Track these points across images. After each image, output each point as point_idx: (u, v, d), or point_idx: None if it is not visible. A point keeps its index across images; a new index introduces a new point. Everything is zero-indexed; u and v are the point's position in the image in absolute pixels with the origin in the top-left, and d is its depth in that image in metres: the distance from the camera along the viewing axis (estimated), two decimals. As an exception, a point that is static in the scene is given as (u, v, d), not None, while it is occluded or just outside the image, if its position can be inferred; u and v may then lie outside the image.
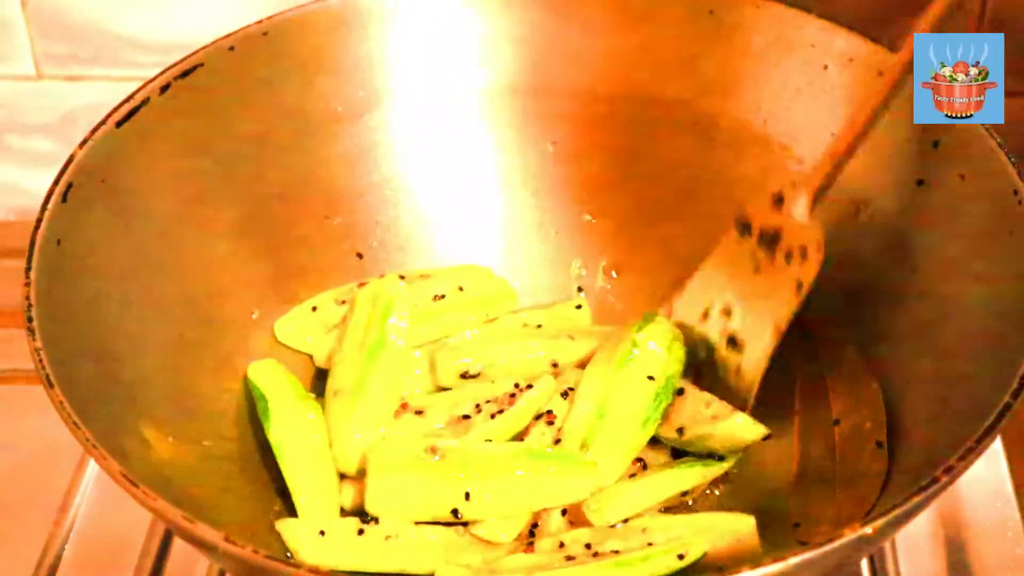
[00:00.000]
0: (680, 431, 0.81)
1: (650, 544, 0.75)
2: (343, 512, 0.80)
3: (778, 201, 0.82)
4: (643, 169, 0.92)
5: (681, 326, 0.86)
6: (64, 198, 0.77)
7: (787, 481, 0.81)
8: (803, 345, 0.85)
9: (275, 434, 0.81)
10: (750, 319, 0.84)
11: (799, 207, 0.81)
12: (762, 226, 0.83)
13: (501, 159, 0.93)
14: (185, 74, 0.84)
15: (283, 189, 0.89)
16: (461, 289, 0.89)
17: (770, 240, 0.83)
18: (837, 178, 0.81)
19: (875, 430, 0.79)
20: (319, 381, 0.87)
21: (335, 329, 0.87)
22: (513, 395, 0.82)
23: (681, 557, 0.73)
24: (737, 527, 0.77)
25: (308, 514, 0.79)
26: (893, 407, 0.80)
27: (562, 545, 0.76)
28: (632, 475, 0.81)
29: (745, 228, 0.84)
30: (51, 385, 0.69)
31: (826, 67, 0.86)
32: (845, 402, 0.81)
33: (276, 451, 0.80)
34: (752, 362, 0.83)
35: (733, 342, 0.84)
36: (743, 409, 0.81)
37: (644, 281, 0.92)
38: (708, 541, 0.75)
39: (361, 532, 0.77)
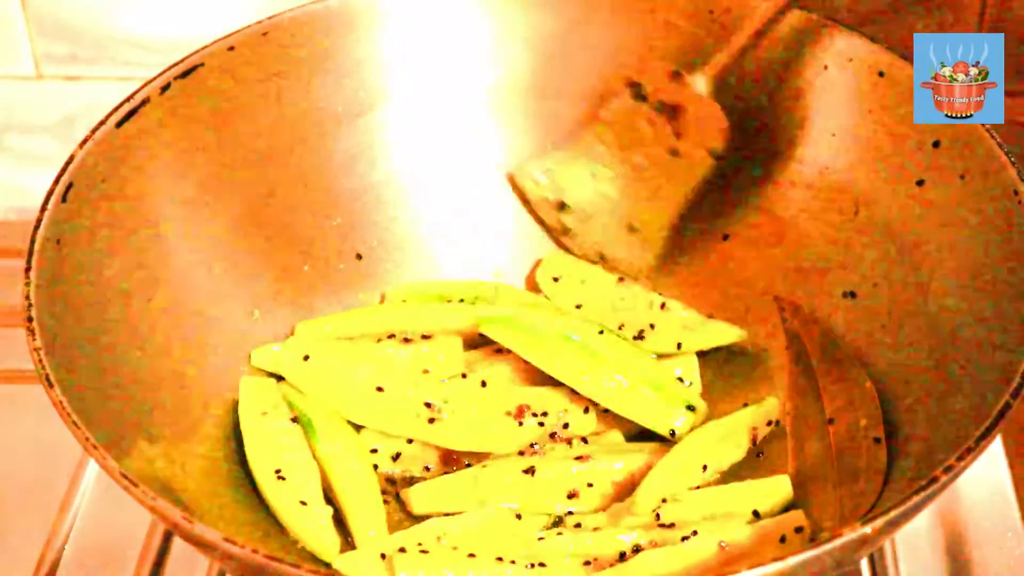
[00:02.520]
0: (679, 345, 0.86)
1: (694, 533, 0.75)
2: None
3: (675, 75, 0.85)
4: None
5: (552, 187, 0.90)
6: (64, 198, 0.77)
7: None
8: (793, 346, 0.85)
9: (322, 449, 0.81)
10: (642, 184, 0.88)
11: (699, 84, 0.84)
12: (660, 97, 0.86)
13: (501, 159, 0.93)
14: (185, 74, 0.84)
15: (283, 189, 0.89)
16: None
17: (669, 112, 0.86)
18: (737, 64, 0.84)
19: (871, 427, 0.79)
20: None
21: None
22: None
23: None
24: (773, 490, 0.78)
25: (358, 528, 0.78)
26: (892, 407, 0.80)
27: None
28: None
29: (638, 93, 0.86)
30: (51, 385, 0.69)
31: (826, 67, 0.86)
32: (838, 401, 0.81)
33: (324, 465, 0.80)
34: (654, 226, 0.88)
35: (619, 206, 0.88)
36: (645, 271, 0.89)
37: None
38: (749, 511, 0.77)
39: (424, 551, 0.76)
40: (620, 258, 0.90)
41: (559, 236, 0.92)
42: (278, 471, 0.79)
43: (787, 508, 0.78)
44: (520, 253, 0.93)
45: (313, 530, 0.77)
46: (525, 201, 0.92)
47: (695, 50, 0.88)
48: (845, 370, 0.82)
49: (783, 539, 0.75)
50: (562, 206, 0.90)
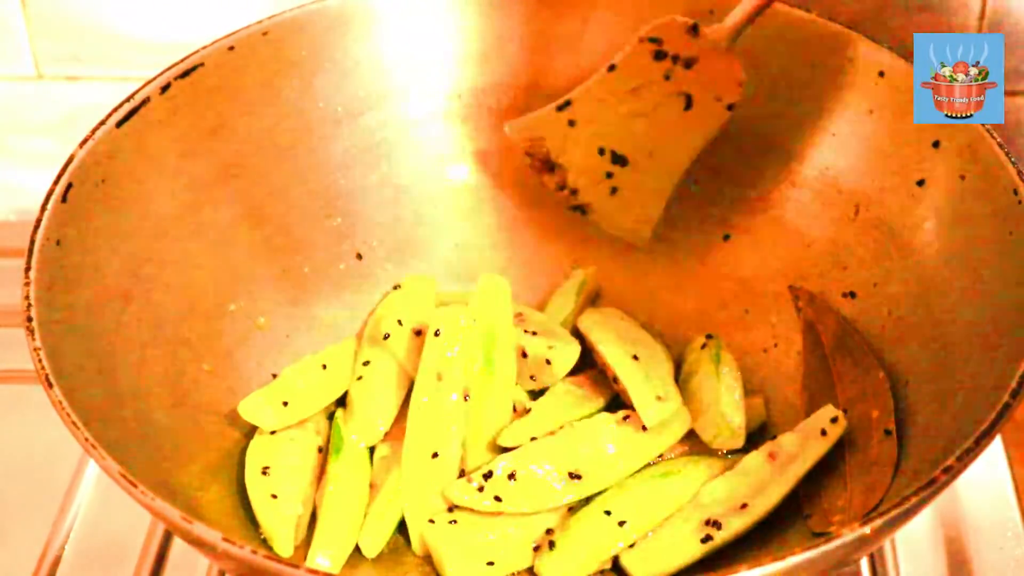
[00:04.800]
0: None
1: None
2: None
3: (692, 29, 0.84)
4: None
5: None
6: (64, 198, 0.77)
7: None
8: (807, 337, 0.85)
9: (334, 468, 0.82)
10: (651, 138, 0.87)
11: (719, 37, 0.83)
12: (679, 51, 0.85)
13: (501, 159, 0.93)
14: (185, 74, 0.84)
15: (283, 189, 0.89)
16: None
17: (686, 64, 0.85)
18: (753, 21, 0.83)
19: (883, 419, 0.79)
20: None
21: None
22: None
23: None
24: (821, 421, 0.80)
25: (323, 541, 0.79)
26: (893, 407, 0.80)
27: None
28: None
29: (659, 52, 0.85)
30: (51, 385, 0.69)
31: (826, 67, 0.86)
32: (851, 392, 0.81)
33: (331, 480, 0.81)
34: (655, 179, 0.87)
35: (621, 160, 0.88)
36: (648, 226, 0.89)
37: (638, 281, 0.92)
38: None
39: None
40: (613, 220, 0.90)
41: (554, 194, 0.91)
42: (265, 468, 0.80)
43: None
44: (519, 253, 0.94)
45: (275, 522, 0.78)
46: (526, 155, 0.91)
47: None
48: (859, 360, 0.82)
49: (824, 432, 0.79)
50: (551, 165, 0.90)
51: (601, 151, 0.88)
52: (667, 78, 0.85)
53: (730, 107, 0.85)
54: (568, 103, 0.88)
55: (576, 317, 0.89)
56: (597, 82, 0.87)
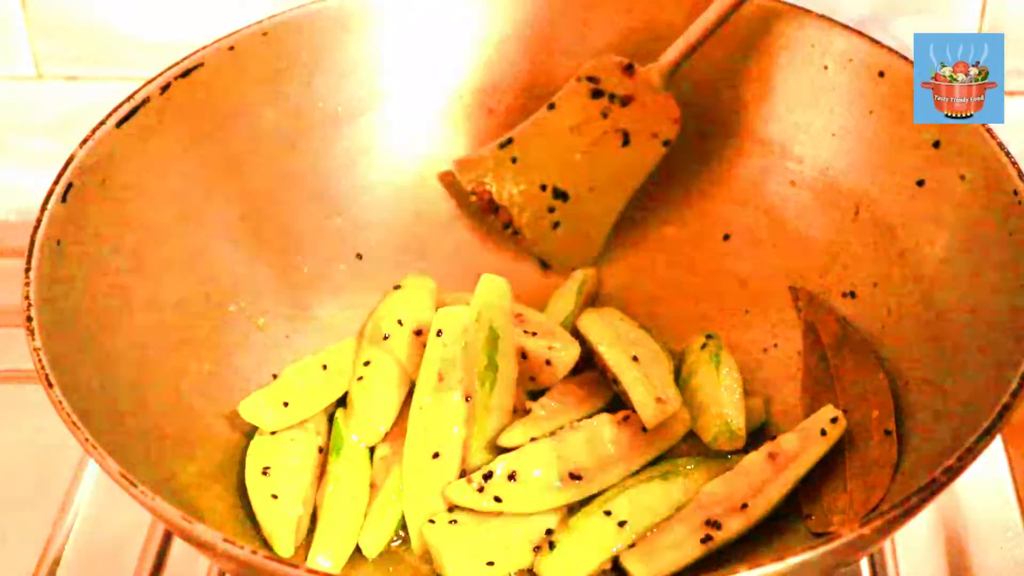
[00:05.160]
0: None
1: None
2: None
3: (628, 68, 0.87)
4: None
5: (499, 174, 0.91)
6: (64, 198, 0.77)
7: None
8: (807, 337, 0.85)
9: (334, 468, 0.82)
10: (591, 173, 0.90)
11: (653, 77, 0.87)
12: (615, 89, 0.88)
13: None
14: (185, 74, 0.84)
15: (283, 189, 0.89)
16: None
17: (622, 102, 0.88)
18: (687, 59, 0.86)
19: (883, 419, 0.79)
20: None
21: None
22: None
23: None
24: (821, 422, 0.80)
25: (323, 541, 0.79)
26: (894, 405, 0.80)
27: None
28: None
29: (596, 91, 0.88)
30: (51, 385, 0.69)
31: (826, 67, 0.86)
32: (851, 392, 0.82)
33: (331, 480, 0.81)
34: (595, 212, 0.90)
35: (562, 195, 0.90)
36: (590, 256, 0.91)
37: (638, 281, 0.92)
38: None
39: None
40: (556, 254, 0.92)
41: (503, 230, 0.93)
42: (266, 468, 0.80)
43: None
44: (520, 254, 0.93)
45: (276, 522, 0.78)
46: (471, 193, 0.92)
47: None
48: (859, 360, 0.82)
49: (824, 432, 0.79)
50: (495, 206, 0.92)
51: (543, 187, 0.91)
52: (604, 116, 0.89)
53: (666, 143, 0.88)
54: (510, 140, 0.91)
55: (576, 317, 0.89)
56: (538, 120, 0.91)
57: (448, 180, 0.93)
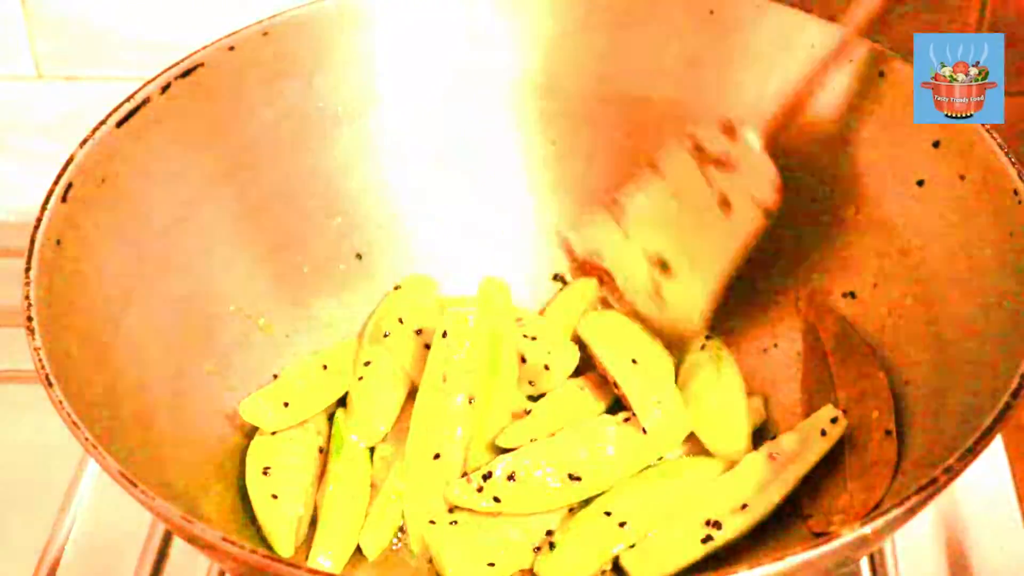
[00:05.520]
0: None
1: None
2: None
3: (728, 130, 0.82)
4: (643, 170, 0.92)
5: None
6: (64, 198, 0.77)
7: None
8: (807, 337, 0.85)
9: (335, 468, 0.82)
10: (694, 242, 0.84)
11: (752, 139, 0.82)
12: (714, 150, 0.83)
13: (501, 158, 0.93)
14: (185, 74, 0.84)
15: (283, 189, 0.89)
16: None
17: (719, 165, 0.83)
18: (792, 122, 0.82)
19: (883, 419, 0.79)
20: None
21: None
22: None
23: None
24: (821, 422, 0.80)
25: (324, 541, 0.79)
26: (894, 405, 0.80)
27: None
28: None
29: (700, 151, 0.83)
30: (51, 385, 0.69)
31: (826, 68, 0.86)
32: (851, 392, 0.82)
33: (331, 480, 0.81)
34: (694, 286, 0.84)
35: (663, 265, 0.85)
36: (696, 324, 0.85)
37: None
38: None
39: None
40: (660, 323, 0.87)
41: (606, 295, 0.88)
42: (266, 468, 0.80)
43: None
44: (520, 253, 0.93)
45: (276, 522, 0.78)
46: (574, 259, 0.89)
47: (694, 50, 0.88)
48: (859, 360, 0.82)
49: (824, 432, 0.79)
50: (595, 270, 0.88)
51: (649, 257, 0.86)
52: (708, 182, 0.84)
53: (768, 213, 0.83)
54: (622, 209, 0.86)
55: (577, 321, 0.88)
56: (642, 184, 0.86)
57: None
